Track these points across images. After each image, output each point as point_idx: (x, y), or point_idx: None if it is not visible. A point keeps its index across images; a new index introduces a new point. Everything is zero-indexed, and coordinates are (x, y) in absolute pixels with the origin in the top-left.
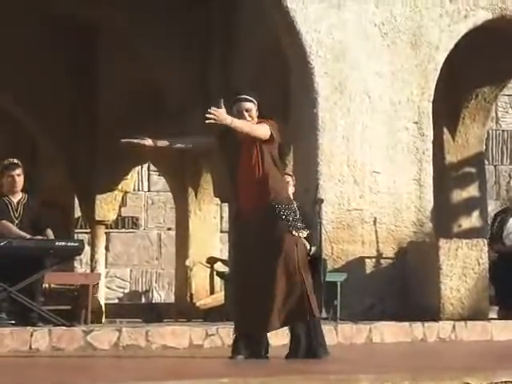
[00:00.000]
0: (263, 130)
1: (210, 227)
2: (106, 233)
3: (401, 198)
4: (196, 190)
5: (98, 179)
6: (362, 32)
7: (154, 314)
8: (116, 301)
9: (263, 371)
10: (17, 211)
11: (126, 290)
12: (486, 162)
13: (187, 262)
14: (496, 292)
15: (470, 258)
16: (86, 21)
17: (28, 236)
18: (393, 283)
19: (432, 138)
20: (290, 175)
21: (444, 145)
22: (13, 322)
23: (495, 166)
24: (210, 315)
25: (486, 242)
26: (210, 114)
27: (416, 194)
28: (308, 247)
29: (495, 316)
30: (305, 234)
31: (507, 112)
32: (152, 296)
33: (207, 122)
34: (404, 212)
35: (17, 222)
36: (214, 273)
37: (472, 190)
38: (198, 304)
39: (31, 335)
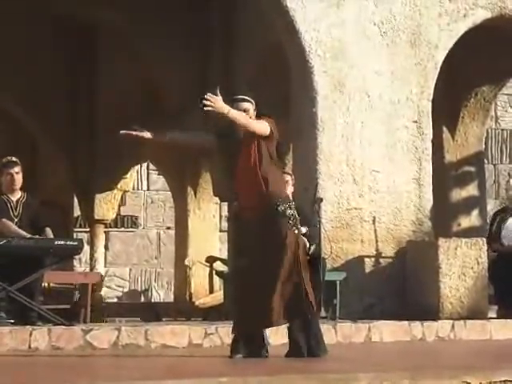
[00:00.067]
0: (261, 126)
1: (210, 226)
2: (105, 232)
3: (400, 197)
4: (195, 189)
5: (98, 178)
6: (361, 31)
7: (153, 313)
8: (115, 300)
9: (262, 370)
10: (16, 210)
11: (125, 289)
12: (486, 161)
13: (186, 261)
14: (495, 291)
15: (469, 257)
16: (86, 21)
17: (28, 235)
18: (392, 282)
19: (431, 137)
20: (289, 174)
21: (443, 144)
22: (12, 321)
23: (494, 165)
24: (210, 314)
25: (485, 241)
26: (206, 100)
27: (415, 193)
28: (307, 246)
29: (494, 315)
30: (304, 230)
31: (506, 111)
32: (151, 295)
33: (205, 109)
34: (403, 211)
35: (16, 220)
36: (214, 272)
37: (471, 189)
38: (197, 303)
39: (30, 334)
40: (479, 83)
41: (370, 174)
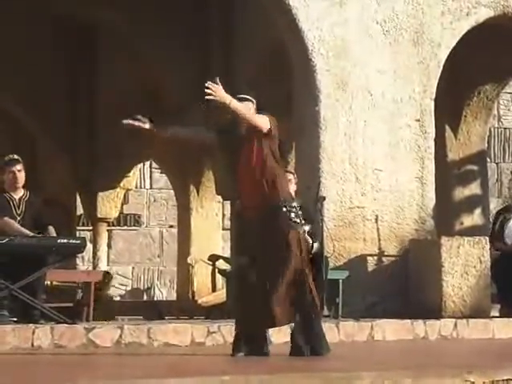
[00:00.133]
0: (262, 120)
1: (212, 225)
2: (107, 230)
3: (403, 195)
4: (198, 188)
5: (100, 177)
6: (364, 29)
7: (155, 311)
8: (118, 298)
9: (264, 369)
10: (19, 208)
11: (128, 288)
12: (488, 160)
13: (189, 260)
14: (498, 290)
15: (471, 255)
16: (86, 21)
17: (30, 233)
18: (394, 281)
19: (434, 135)
20: (291, 173)
21: (446, 142)
22: (15, 319)
23: (497, 164)
24: (212, 313)
25: (487, 240)
26: (207, 88)
27: (418, 191)
28: (310, 244)
29: (497, 314)
30: (307, 228)
31: (509, 110)
32: (154, 293)
33: (206, 98)
34: (406, 210)
35: (19, 218)
36: (216, 270)
37: (474, 188)
38: (199, 301)
39: (33, 333)
40: (482, 82)
41: (372, 172)
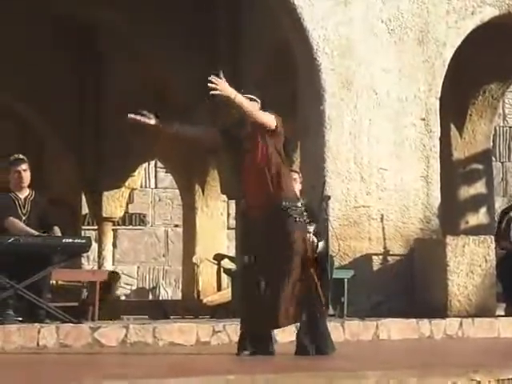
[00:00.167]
0: (268, 118)
1: (217, 224)
2: (113, 230)
3: (408, 194)
4: (203, 187)
5: (105, 176)
6: (368, 28)
7: (160, 310)
8: (123, 298)
9: (270, 368)
10: (24, 208)
11: (133, 287)
12: (493, 159)
13: (194, 259)
14: (503, 289)
15: (477, 254)
16: (90, 21)
17: (36, 233)
18: (400, 280)
19: (439, 134)
20: (296, 172)
21: (451, 141)
22: (20, 318)
23: (502, 163)
24: (217, 312)
25: (493, 239)
26: (211, 82)
27: (423, 190)
28: (315, 244)
29: (502, 313)
30: (312, 227)
31: None
32: (159, 293)
33: (211, 92)
34: (411, 209)
35: (24, 218)
36: (221, 270)
37: (479, 187)
38: (205, 301)
39: (38, 332)
40: (487, 81)
41: (377, 171)
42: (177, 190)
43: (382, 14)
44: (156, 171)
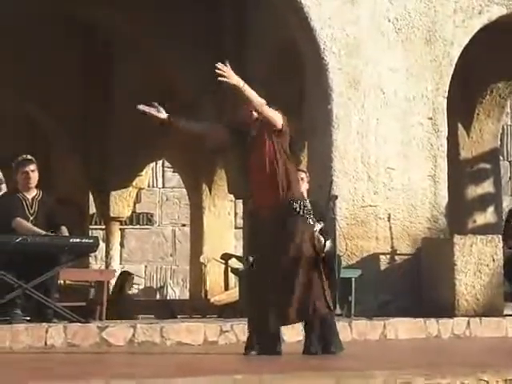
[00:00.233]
0: (275, 114)
1: (225, 223)
2: (120, 229)
3: (415, 194)
4: (210, 187)
5: (113, 176)
6: (376, 28)
7: (167, 310)
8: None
9: (277, 367)
10: (32, 208)
11: (141, 287)
12: (501, 158)
13: (201, 259)
14: (511, 288)
15: (484, 254)
16: (97, 21)
17: (43, 232)
18: (407, 279)
19: (446, 133)
20: (304, 172)
21: (459, 141)
22: (28, 318)
23: (510, 162)
24: (225, 311)
25: (500, 238)
26: (217, 69)
27: (430, 190)
28: (323, 243)
29: (510, 312)
30: (319, 227)
31: None
32: (166, 292)
33: (218, 79)
34: (418, 208)
35: (32, 218)
36: (229, 269)
37: (487, 186)
38: (212, 300)
39: (46, 331)
40: (494, 80)
41: (385, 171)
42: (184, 190)
43: (390, 14)
44: (163, 171)
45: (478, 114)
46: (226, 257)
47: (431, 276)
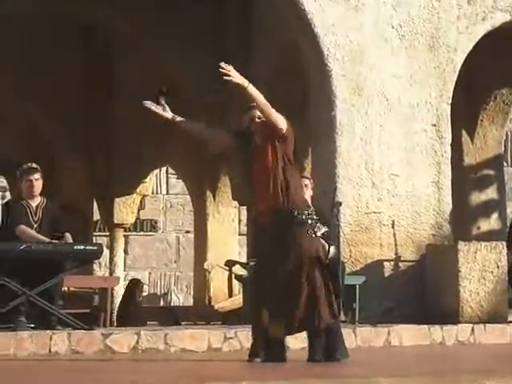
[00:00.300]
0: (280, 118)
1: (229, 230)
2: (124, 236)
3: (419, 200)
4: (214, 193)
5: (117, 183)
6: (379, 34)
7: (171, 317)
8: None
9: (281, 374)
10: (36, 215)
11: (145, 293)
12: (505, 164)
13: (205, 265)
14: None
15: (488, 260)
16: (99, 21)
17: (47, 240)
18: (411, 286)
19: (450, 140)
20: (308, 178)
21: (462, 147)
22: (32, 325)
23: None
24: (229, 318)
25: (504, 245)
26: (221, 68)
27: (434, 196)
28: (327, 250)
29: None
30: (323, 229)
31: None
32: (171, 299)
33: (224, 78)
34: (423, 215)
35: (36, 226)
36: (233, 276)
37: (491, 193)
38: (216, 307)
39: (50, 338)
40: (498, 86)
41: (388, 177)
42: (188, 196)
43: (393, 20)
44: (167, 177)
45: (481, 121)
46: (229, 263)
47: (435, 283)
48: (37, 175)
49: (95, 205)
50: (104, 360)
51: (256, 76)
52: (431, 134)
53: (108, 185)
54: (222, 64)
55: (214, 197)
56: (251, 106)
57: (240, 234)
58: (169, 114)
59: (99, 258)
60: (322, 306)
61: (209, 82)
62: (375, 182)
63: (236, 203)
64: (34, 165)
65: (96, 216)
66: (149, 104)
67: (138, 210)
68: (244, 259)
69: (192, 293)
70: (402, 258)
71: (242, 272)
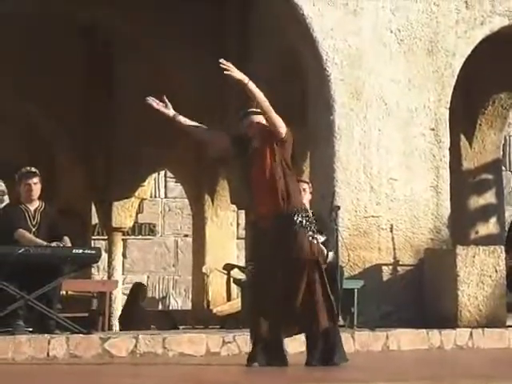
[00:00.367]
0: (280, 120)
1: (227, 234)
2: (123, 239)
3: (418, 204)
4: (212, 197)
5: (115, 186)
6: (378, 39)
7: (169, 320)
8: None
9: (280, 379)
10: (34, 219)
11: None
12: (504, 169)
13: (204, 269)
14: None
15: (487, 265)
16: (99, 21)
17: (45, 243)
18: (410, 290)
19: (449, 144)
20: (306, 182)
21: (461, 151)
22: (30, 329)
23: None
24: (227, 322)
25: (503, 249)
26: (221, 64)
27: (433, 200)
28: (325, 254)
29: None
30: (322, 238)
31: None
32: (169, 303)
33: (225, 73)
34: (421, 219)
35: (34, 230)
36: (231, 279)
37: (489, 197)
38: (214, 311)
39: (49, 343)
40: (496, 90)
41: (387, 181)
42: (186, 200)
43: (392, 25)
44: (166, 181)
45: (480, 125)
46: (228, 267)
47: (434, 287)
48: (35, 179)
49: (93, 208)
50: (102, 364)
51: (256, 76)
52: (430, 139)
53: (106, 188)
54: (222, 60)
55: (212, 200)
56: (248, 112)
57: (238, 238)
58: (171, 112)
59: (97, 261)
60: (321, 310)
61: (209, 82)
62: (374, 186)
63: (234, 207)
64: (33, 169)
65: (94, 220)
66: (151, 100)
67: (137, 214)
68: (242, 263)
69: (190, 297)
70: (401, 262)
71: (241, 276)
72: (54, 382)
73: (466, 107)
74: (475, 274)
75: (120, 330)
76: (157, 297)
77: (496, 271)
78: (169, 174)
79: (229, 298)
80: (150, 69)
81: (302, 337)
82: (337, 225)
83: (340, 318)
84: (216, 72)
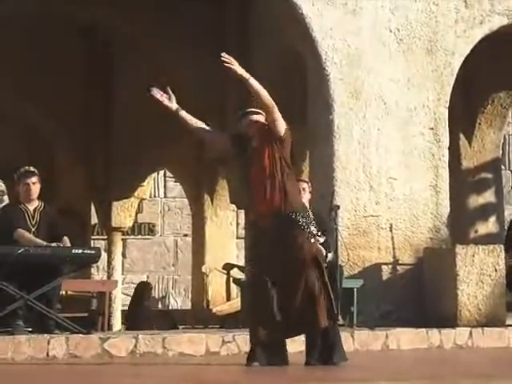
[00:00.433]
0: (280, 118)
1: (227, 233)
2: (122, 239)
3: (417, 204)
4: (212, 197)
5: (115, 186)
6: (377, 38)
7: (169, 320)
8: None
9: (280, 379)
10: (33, 219)
11: None
12: (503, 168)
13: (203, 269)
14: None
15: (486, 264)
16: (99, 21)
17: (44, 243)
18: (409, 289)
19: (448, 143)
20: (306, 182)
21: (460, 150)
22: (30, 329)
23: None
24: (227, 322)
25: (502, 248)
26: (223, 57)
27: (432, 200)
28: (325, 253)
29: None
30: (321, 240)
31: None
32: (168, 302)
33: (225, 65)
34: (420, 218)
35: (33, 229)
36: (231, 279)
37: (488, 196)
38: (214, 310)
39: (48, 343)
40: (496, 90)
41: (386, 181)
42: (186, 200)
43: (391, 24)
44: (165, 181)
45: (479, 124)
46: (227, 267)
47: (433, 286)
48: (34, 179)
49: (93, 208)
50: (102, 364)
51: (256, 76)
52: (429, 138)
53: (106, 188)
54: (224, 54)
55: (211, 200)
56: (247, 112)
57: (238, 238)
58: (174, 105)
59: (97, 261)
60: (321, 310)
61: (209, 82)
62: (373, 186)
63: (234, 206)
64: (32, 168)
65: (94, 220)
66: (155, 91)
67: (136, 214)
68: (242, 263)
69: (190, 296)
70: (400, 262)
71: (240, 275)
72: (54, 382)
73: (466, 106)
74: (475, 273)
75: (126, 330)
76: (156, 296)
77: (495, 270)
78: (168, 173)
79: (228, 298)
80: (150, 69)
81: (301, 336)
82: (336, 224)
83: (339, 318)
84: (216, 72)
